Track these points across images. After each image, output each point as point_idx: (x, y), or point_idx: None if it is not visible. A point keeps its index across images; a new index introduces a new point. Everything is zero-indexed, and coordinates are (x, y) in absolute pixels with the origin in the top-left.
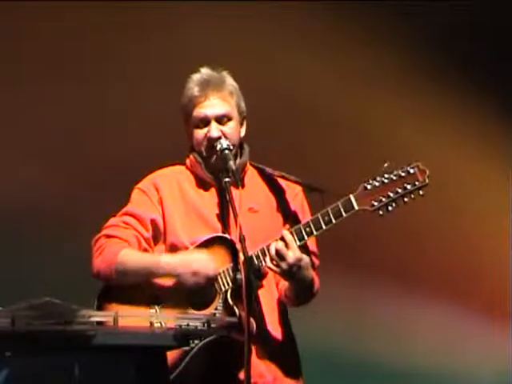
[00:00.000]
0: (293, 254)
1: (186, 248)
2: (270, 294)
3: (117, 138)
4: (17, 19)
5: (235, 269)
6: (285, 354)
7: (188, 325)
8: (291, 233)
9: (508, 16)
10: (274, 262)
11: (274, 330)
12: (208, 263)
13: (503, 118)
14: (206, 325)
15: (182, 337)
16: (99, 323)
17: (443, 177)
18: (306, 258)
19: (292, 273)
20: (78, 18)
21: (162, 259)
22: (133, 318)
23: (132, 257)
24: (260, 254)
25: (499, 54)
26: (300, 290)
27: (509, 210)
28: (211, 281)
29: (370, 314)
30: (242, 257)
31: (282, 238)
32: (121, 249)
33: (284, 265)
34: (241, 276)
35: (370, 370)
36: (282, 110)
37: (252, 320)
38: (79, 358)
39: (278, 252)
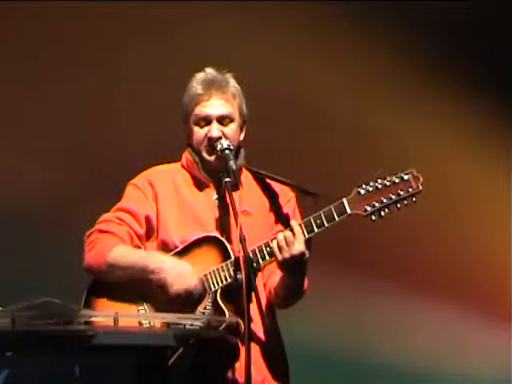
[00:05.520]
0: (298, 245)
1: (176, 247)
2: (258, 294)
3: (117, 138)
4: (16, 20)
5: (235, 269)
6: (273, 355)
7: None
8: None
9: (508, 15)
10: (278, 250)
11: (263, 330)
12: (192, 275)
13: (503, 118)
14: (206, 325)
15: (182, 337)
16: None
17: (443, 177)
18: (307, 255)
19: (292, 265)
20: (78, 19)
21: (153, 259)
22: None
23: (124, 253)
24: (257, 252)
25: (499, 54)
26: (292, 286)
27: (509, 210)
28: (189, 292)
29: (369, 314)
30: (240, 256)
31: (291, 229)
32: (113, 245)
33: (287, 254)
34: (241, 276)
35: (369, 370)
36: (281, 112)
37: (240, 321)
38: (79, 358)
39: (286, 239)
